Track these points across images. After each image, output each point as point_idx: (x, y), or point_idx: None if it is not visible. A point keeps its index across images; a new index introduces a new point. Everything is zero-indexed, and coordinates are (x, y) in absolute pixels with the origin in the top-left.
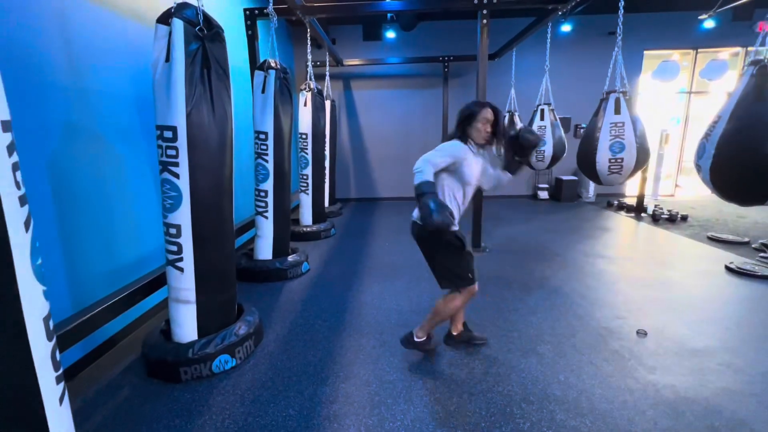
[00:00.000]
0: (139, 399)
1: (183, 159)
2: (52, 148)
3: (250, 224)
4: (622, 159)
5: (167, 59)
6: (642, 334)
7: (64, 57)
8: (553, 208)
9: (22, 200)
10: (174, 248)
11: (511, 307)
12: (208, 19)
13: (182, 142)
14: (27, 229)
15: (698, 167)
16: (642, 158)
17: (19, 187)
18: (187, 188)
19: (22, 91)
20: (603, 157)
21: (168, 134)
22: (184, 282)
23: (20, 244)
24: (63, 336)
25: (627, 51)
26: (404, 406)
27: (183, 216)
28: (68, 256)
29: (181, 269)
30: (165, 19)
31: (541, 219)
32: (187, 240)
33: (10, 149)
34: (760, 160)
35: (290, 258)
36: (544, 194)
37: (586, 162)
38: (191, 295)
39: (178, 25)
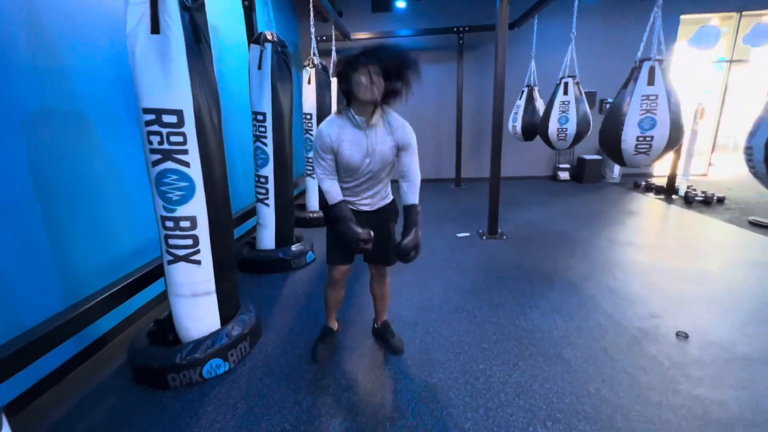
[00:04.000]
0: (126, 407)
1: (192, 145)
2: (29, 134)
3: (252, 212)
4: (652, 137)
5: (155, 30)
6: (682, 336)
7: (32, 33)
8: (574, 189)
9: None
10: (188, 242)
11: (532, 303)
12: None
13: (190, 127)
14: None
15: (749, 150)
16: (675, 137)
17: None
18: (199, 177)
19: None
20: (630, 135)
21: (170, 119)
22: (203, 274)
23: None
24: (55, 331)
25: (662, 17)
26: (413, 421)
27: (197, 207)
28: (57, 248)
29: (197, 262)
30: None
31: (562, 202)
32: (203, 231)
33: None
34: None
35: (294, 247)
36: (564, 175)
37: (610, 139)
38: (211, 285)
39: None
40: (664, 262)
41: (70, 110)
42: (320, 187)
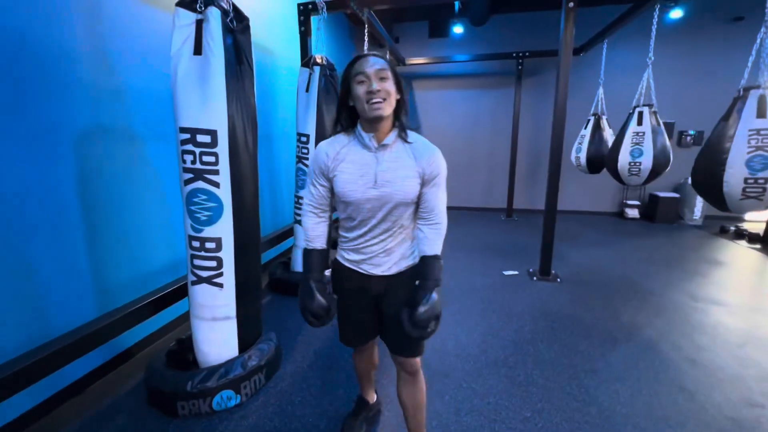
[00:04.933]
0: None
1: (224, 166)
2: (80, 148)
3: (290, 232)
4: (766, 179)
5: (197, 52)
6: None
7: (96, 53)
8: (645, 230)
9: None
10: (212, 264)
11: (588, 367)
12: (237, 9)
13: (223, 148)
14: None
15: None
16: None
17: None
18: (228, 198)
19: (48, 89)
20: (735, 176)
21: (204, 138)
22: (224, 298)
23: None
24: (82, 340)
25: (755, 41)
26: None
27: (224, 228)
28: (95, 258)
29: (220, 285)
30: (189, 3)
31: (630, 244)
32: (228, 254)
33: None
34: None
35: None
36: (633, 212)
37: (708, 181)
38: (231, 310)
39: (215, 14)
40: (762, 331)
41: (122, 127)
42: (302, 222)
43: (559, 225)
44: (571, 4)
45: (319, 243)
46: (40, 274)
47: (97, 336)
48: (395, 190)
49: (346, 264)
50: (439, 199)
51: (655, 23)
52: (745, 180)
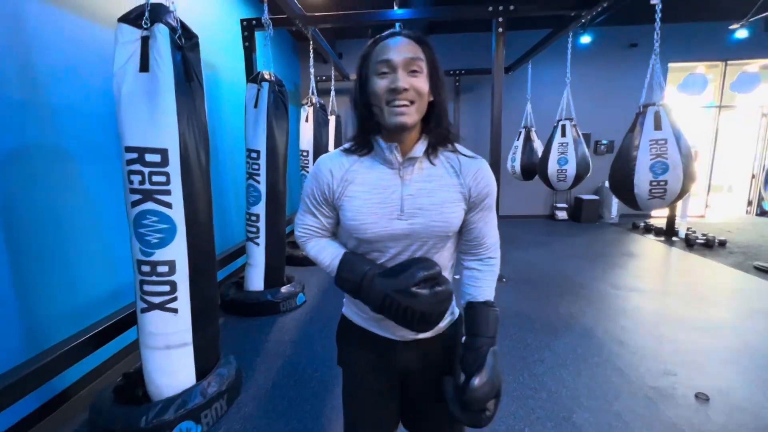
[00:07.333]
0: None
1: (176, 186)
2: (2, 170)
3: (243, 250)
4: (666, 181)
5: (144, 68)
6: (702, 398)
7: (17, 67)
8: (572, 229)
9: None
10: (165, 288)
11: (537, 357)
12: (185, 26)
13: (174, 167)
14: None
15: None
16: (689, 180)
17: None
18: (182, 218)
19: None
20: (642, 180)
21: (154, 158)
22: (179, 324)
23: None
24: (10, 388)
25: (646, 64)
26: None
27: (177, 250)
28: (23, 292)
29: (174, 310)
30: (134, 20)
31: (561, 242)
32: (182, 276)
33: None
34: None
35: (283, 289)
36: (562, 214)
37: (622, 185)
38: (188, 336)
39: (162, 31)
40: (672, 311)
41: (52, 147)
42: (309, 255)
43: (500, 229)
44: (501, 30)
45: (341, 248)
46: None
47: (27, 381)
48: (432, 222)
49: (359, 323)
50: (488, 225)
51: (569, 47)
52: (650, 183)
